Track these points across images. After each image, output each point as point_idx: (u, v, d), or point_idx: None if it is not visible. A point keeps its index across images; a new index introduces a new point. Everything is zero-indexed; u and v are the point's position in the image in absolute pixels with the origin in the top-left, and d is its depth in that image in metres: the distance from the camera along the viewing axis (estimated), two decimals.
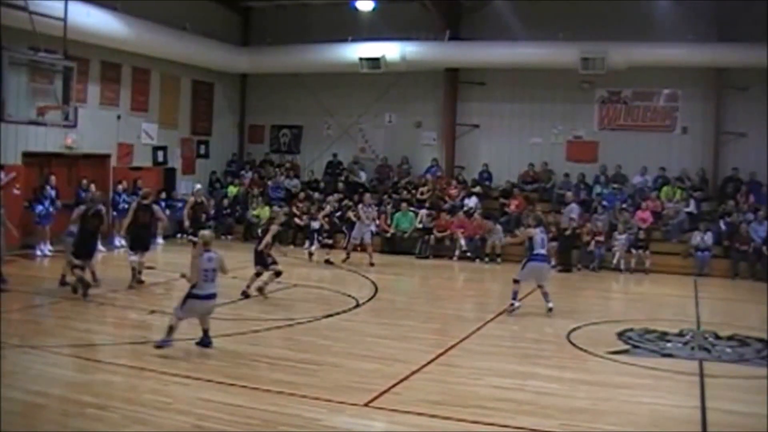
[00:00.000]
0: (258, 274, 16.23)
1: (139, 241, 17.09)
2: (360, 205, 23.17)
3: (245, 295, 15.96)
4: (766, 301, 16.79)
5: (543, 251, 15.49)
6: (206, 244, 11.50)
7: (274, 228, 16.35)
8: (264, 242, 16.22)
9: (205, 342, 11.46)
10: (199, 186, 21.84)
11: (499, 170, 27.16)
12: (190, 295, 11.31)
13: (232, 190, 28.44)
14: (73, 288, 15.36)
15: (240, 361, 10.97)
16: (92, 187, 22.04)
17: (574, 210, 22.80)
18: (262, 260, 16.20)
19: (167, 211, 24.24)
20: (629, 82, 25.59)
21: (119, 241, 22.41)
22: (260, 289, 16.04)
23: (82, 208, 16.02)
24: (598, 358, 11.81)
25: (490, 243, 23.48)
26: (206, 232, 12.13)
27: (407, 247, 24.54)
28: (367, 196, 23.76)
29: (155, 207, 17.71)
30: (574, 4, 24.83)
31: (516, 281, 15.24)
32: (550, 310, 15.21)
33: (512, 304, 15.08)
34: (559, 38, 24.54)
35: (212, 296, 11.44)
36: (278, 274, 16.22)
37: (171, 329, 11.18)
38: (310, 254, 22.58)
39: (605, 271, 22.28)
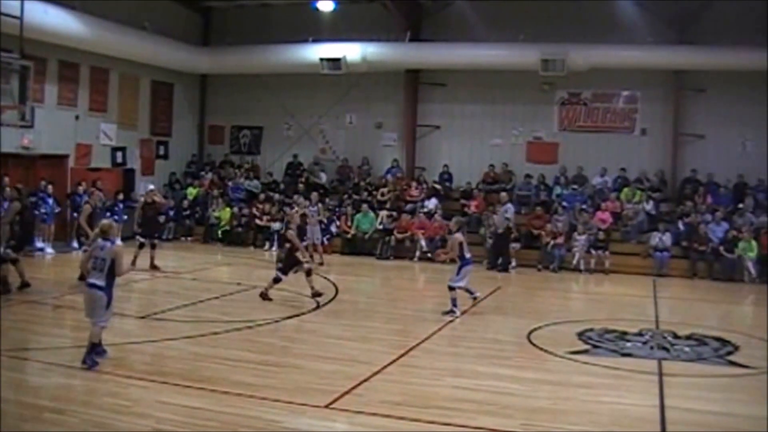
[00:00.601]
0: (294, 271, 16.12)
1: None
2: (302, 201, 22.85)
3: (316, 295, 15.93)
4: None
5: (469, 254, 15.54)
6: (103, 233, 10.77)
7: (291, 233, 16.11)
8: (294, 248, 15.99)
9: (85, 361, 10.31)
10: (151, 186, 21.65)
11: (460, 171, 27.23)
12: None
13: (192, 191, 28.27)
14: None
15: (200, 363, 10.87)
16: (49, 187, 21.87)
17: (509, 210, 22.82)
18: (295, 261, 16.07)
19: (124, 216, 24.17)
20: (589, 84, 25.76)
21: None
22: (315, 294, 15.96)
23: (17, 204, 16.15)
24: (558, 358, 11.85)
25: (450, 244, 23.47)
26: (106, 221, 11.39)
27: (368, 248, 24.53)
28: (314, 195, 23.65)
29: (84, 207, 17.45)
30: (535, 6, 24.98)
31: (453, 288, 15.17)
32: (476, 297, 15.67)
33: (453, 311, 14.98)
34: (519, 40, 24.66)
35: (95, 287, 10.47)
36: (309, 272, 16.15)
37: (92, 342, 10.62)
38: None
39: (565, 272, 22.39)
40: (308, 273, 16.02)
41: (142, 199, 20.61)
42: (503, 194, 23.84)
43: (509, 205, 22.94)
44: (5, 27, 16.60)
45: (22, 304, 14.69)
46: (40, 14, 20.04)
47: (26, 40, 16.78)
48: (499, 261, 22.45)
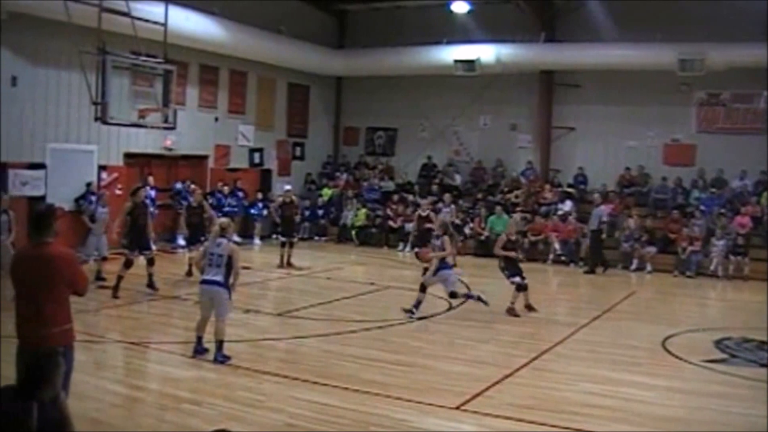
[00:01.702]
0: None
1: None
2: (424, 202, 22.72)
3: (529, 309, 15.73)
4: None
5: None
6: (222, 230, 10.98)
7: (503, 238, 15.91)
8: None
9: (217, 358, 10.73)
10: (288, 186, 22.19)
11: (595, 173, 26.81)
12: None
13: (327, 191, 28.69)
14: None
15: (332, 361, 11.09)
16: (191, 187, 22.63)
17: (603, 213, 22.45)
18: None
19: (264, 212, 24.86)
20: (728, 84, 24.93)
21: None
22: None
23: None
24: (693, 366, 11.58)
25: (584, 247, 23.25)
26: (223, 219, 11.79)
27: None
28: (446, 196, 23.63)
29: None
30: (672, 5, 24.33)
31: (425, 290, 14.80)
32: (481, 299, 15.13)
33: (412, 312, 14.58)
34: (656, 39, 24.08)
35: (215, 283, 10.71)
36: (519, 288, 15.77)
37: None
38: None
39: (702, 278, 21.76)
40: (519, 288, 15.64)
41: (280, 199, 21.15)
42: (596, 195, 23.71)
43: (603, 207, 22.63)
44: (150, 33, 17.26)
45: (165, 299, 15.23)
46: (182, 20, 20.68)
47: (169, 46, 17.39)
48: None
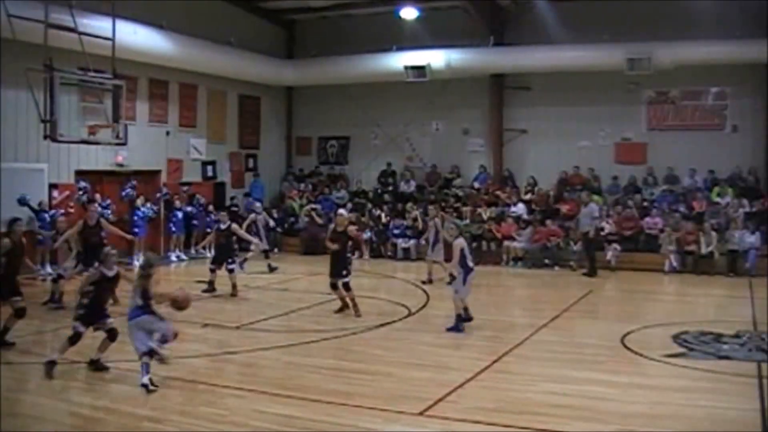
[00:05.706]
0: None
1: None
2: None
3: None
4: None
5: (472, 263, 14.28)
6: None
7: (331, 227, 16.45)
8: None
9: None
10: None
11: (549, 175, 26.91)
12: None
13: (292, 204, 28.45)
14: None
15: (294, 372, 11.02)
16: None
17: (594, 210, 22.33)
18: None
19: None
20: (677, 82, 25.23)
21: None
22: None
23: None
24: (653, 361, 11.67)
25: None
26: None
27: None
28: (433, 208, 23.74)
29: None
30: (618, 5, 24.55)
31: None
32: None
33: (458, 327, 14.01)
34: (604, 40, 24.32)
35: None
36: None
37: None
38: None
39: (656, 274, 21.93)
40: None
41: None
42: (583, 194, 23.45)
43: (592, 205, 22.57)
44: (98, 48, 17.12)
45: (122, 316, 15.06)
46: (129, 35, 20.58)
47: (117, 60, 17.28)
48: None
